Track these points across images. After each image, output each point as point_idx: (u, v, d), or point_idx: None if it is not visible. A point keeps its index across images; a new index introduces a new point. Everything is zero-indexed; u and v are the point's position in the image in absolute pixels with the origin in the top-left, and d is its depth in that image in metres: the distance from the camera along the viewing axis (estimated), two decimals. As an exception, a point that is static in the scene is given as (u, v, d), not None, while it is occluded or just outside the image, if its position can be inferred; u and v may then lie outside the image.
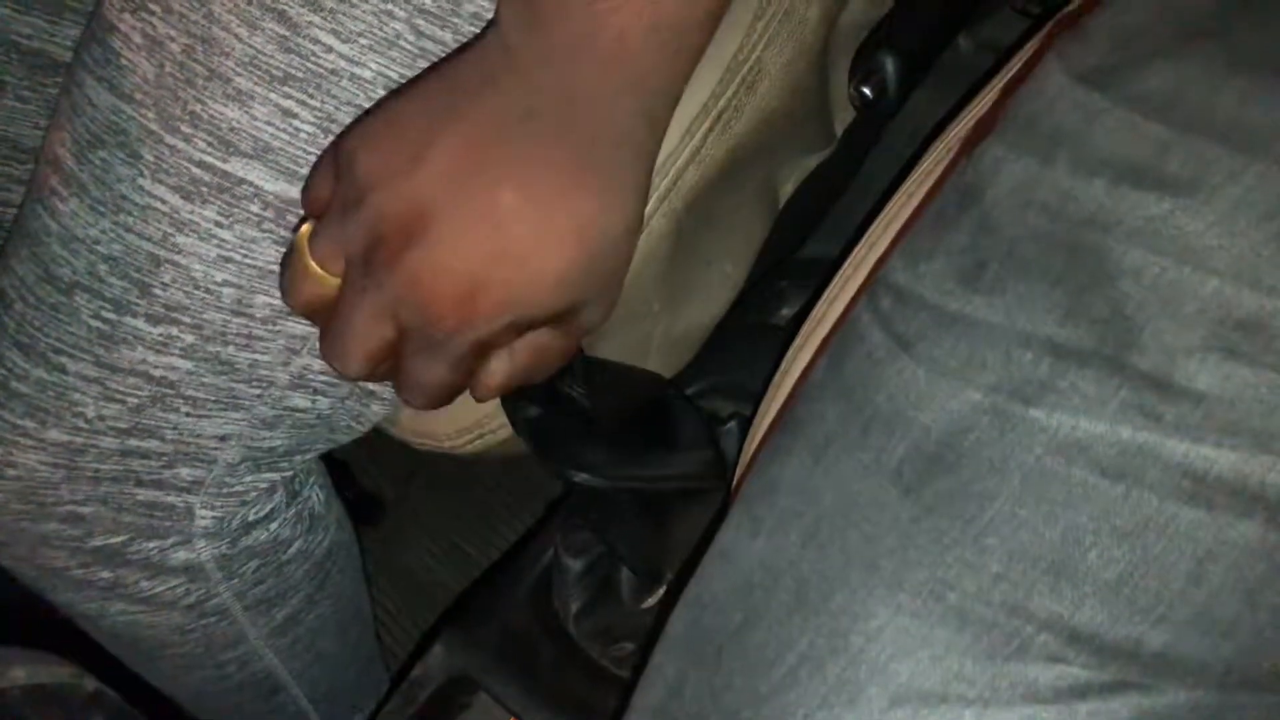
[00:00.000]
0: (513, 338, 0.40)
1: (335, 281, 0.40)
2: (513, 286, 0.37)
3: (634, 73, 0.36)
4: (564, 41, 0.35)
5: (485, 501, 1.11)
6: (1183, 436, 0.29)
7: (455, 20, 0.45)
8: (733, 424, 0.68)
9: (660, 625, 0.37)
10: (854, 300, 0.43)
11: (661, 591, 0.66)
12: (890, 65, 0.52)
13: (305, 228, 0.41)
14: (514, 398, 0.52)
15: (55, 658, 0.43)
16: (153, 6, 0.45)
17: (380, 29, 0.45)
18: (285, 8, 0.44)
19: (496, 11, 0.38)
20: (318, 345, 0.51)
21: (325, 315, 0.41)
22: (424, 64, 0.46)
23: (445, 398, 0.41)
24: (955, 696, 0.30)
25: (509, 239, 0.37)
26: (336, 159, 0.39)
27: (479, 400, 0.43)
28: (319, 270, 0.40)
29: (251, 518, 0.58)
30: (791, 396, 0.43)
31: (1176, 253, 0.29)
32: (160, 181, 0.46)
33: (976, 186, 0.33)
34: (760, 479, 0.35)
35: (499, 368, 0.41)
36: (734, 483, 0.49)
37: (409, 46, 0.45)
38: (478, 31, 0.46)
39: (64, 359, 0.49)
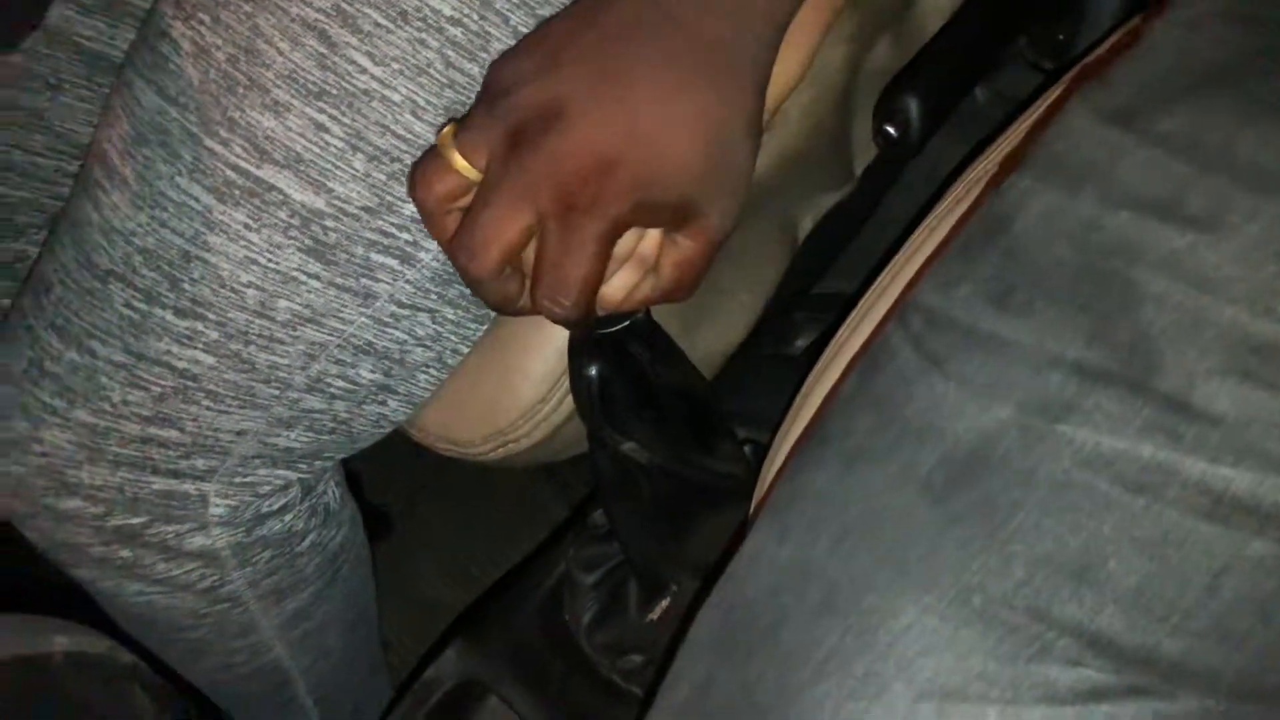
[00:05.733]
0: (646, 221, 0.42)
1: (476, 175, 0.42)
2: (643, 164, 0.40)
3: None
4: None
5: (491, 521, 1.12)
6: (1201, 456, 0.31)
7: (483, 55, 0.48)
8: (747, 449, 0.70)
9: (677, 631, 0.39)
10: (880, 324, 0.45)
11: (666, 603, 0.68)
12: (914, 107, 0.54)
13: (449, 127, 0.43)
14: (579, 352, 0.53)
15: (93, 630, 0.45)
16: (203, 16, 0.48)
17: (413, 56, 0.47)
18: (326, 27, 0.47)
19: None
20: (336, 352, 0.53)
21: (458, 214, 0.43)
22: (450, 93, 0.48)
23: (582, 291, 0.42)
24: (978, 695, 0.31)
25: (638, 121, 0.40)
26: (486, 78, 0.43)
27: (620, 307, 0.46)
28: (463, 161, 0.42)
29: (266, 509, 0.59)
30: (816, 415, 0.45)
31: (1197, 283, 0.31)
32: (196, 181, 0.49)
33: (1005, 216, 0.36)
34: (789, 487, 0.37)
35: (646, 283, 0.44)
36: (751, 507, 0.51)
37: (438, 75, 0.48)
38: None
39: (95, 343, 0.52)
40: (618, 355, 0.52)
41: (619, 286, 0.45)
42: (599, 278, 0.42)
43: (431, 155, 0.43)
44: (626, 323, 0.49)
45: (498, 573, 1.08)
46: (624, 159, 0.40)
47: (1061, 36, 0.65)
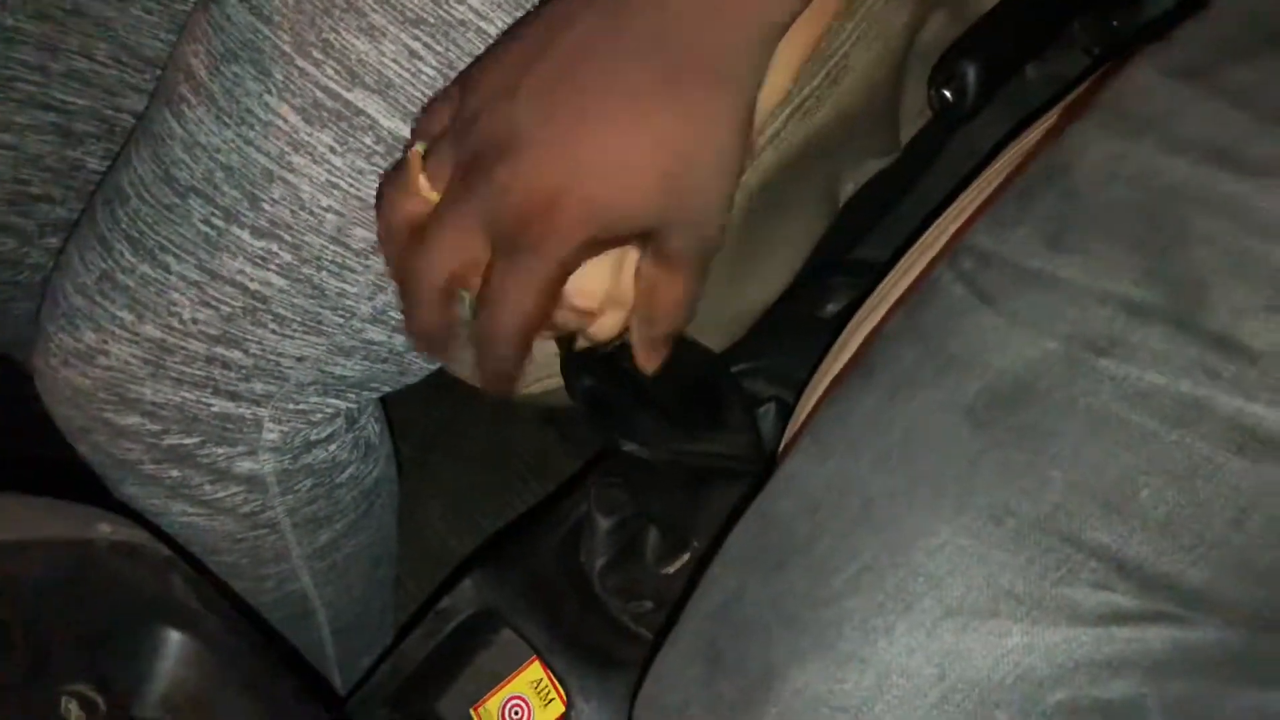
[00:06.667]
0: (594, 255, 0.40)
1: (436, 198, 0.41)
2: (590, 200, 0.38)
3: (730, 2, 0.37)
4: None
5: (502, 474, 1.13)
6: (1236, 393, 0.32)
7: None
8: (770, 405, 0.71)
9: (692, 578, 0.40)
10: (928, 268, 0.46)
11: (686, 558, 0.69)
12: (971, 73, 0.55)
13: (418, 146, 0.43)
14: (573, 367, 0.54)
15: (133, 521, 0.46)
16: None
17: None
18: None
19: None
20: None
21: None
22: None
23: (525, 327, 0.41)
24: (1005, 612, 0.32)
25: (586, 154, 0.38)
26: (457, 90, 0.42)
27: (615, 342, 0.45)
28: (426, 185, 0.41)
29: (315, 437, 0.60)
30: (860, 349, 0.46)
31: (1251, 227, 0.32)
32: (285, 101, 0.49)
33: (1065, 162, 0.37)
34: (832, 412, 0.38)
35: (635, 320, 0.43)
36: (785, 438, 0.52)
37: (533, 7, 0.48)
38: None
39: (169, 258, 0.52)
40: (610, 369, 0.53)
41: (608, 328, 0.45)
42: (535, 323, 0.41)
43: (399, 175, 0.43)
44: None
45: (505, 524, 1.10)
46: (570, 194, 0.38)
47: (1116, 23, 0.66)
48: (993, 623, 0.32)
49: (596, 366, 0.54)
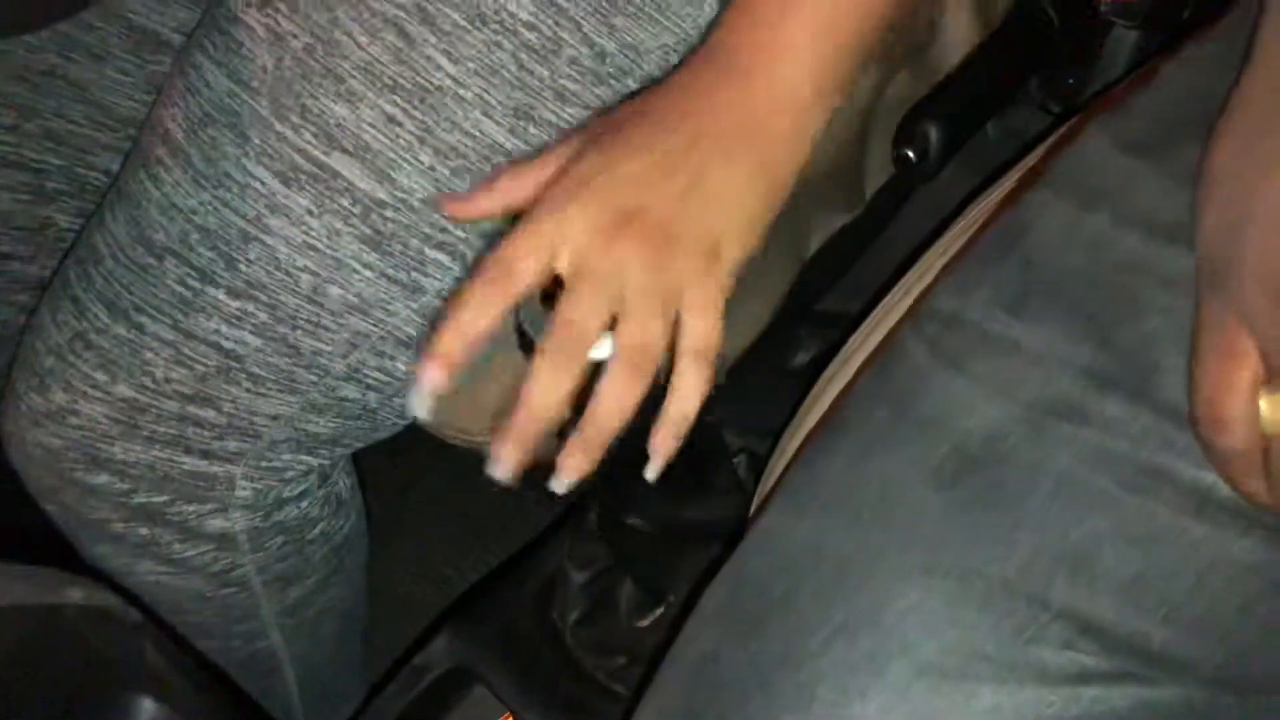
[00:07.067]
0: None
1: None
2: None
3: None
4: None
5: (472, 524, 1.12)
6: (1191, 461, 0.33)
7: (554, 60, 0.50)
8: (742, 457, 0.72)
9: (669, 636, 0.40)
10: (893, 330, 0.47)
11: (660, 612, 0.69)
12: (934, 134, 0.57)
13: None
14: None
15: (103, 586, 0.46)
16: (279, 4, 0.49)
17: (487, 57, 0.49)
18: (406, 24, 0.49)
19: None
20: (377, 344, 0.54)
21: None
22: (520, 94, 0.50)
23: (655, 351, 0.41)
24: (975, 673, 0.33)
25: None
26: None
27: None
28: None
29: (286, 494, 0.60)
30: (830, 409, 0.47)
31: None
32: (263, 164, 0.50)
33: (1023, 227, 0.38)
34: (805, 472, 0.39)
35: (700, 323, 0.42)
36: (756, 499, 0.53)
37: (510, 76, 0.50)
38: (574, 74, 0.51)
39: (144, 318, 0.52)
40: (626, 442, 0.54)
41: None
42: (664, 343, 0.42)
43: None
44: None
45: (474, 575, 1.09)
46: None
47: (1071, 80, 0.68)
48: (963, 684, 0.33)
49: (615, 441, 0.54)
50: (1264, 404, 0.30)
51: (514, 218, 0.44)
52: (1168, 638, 0.33)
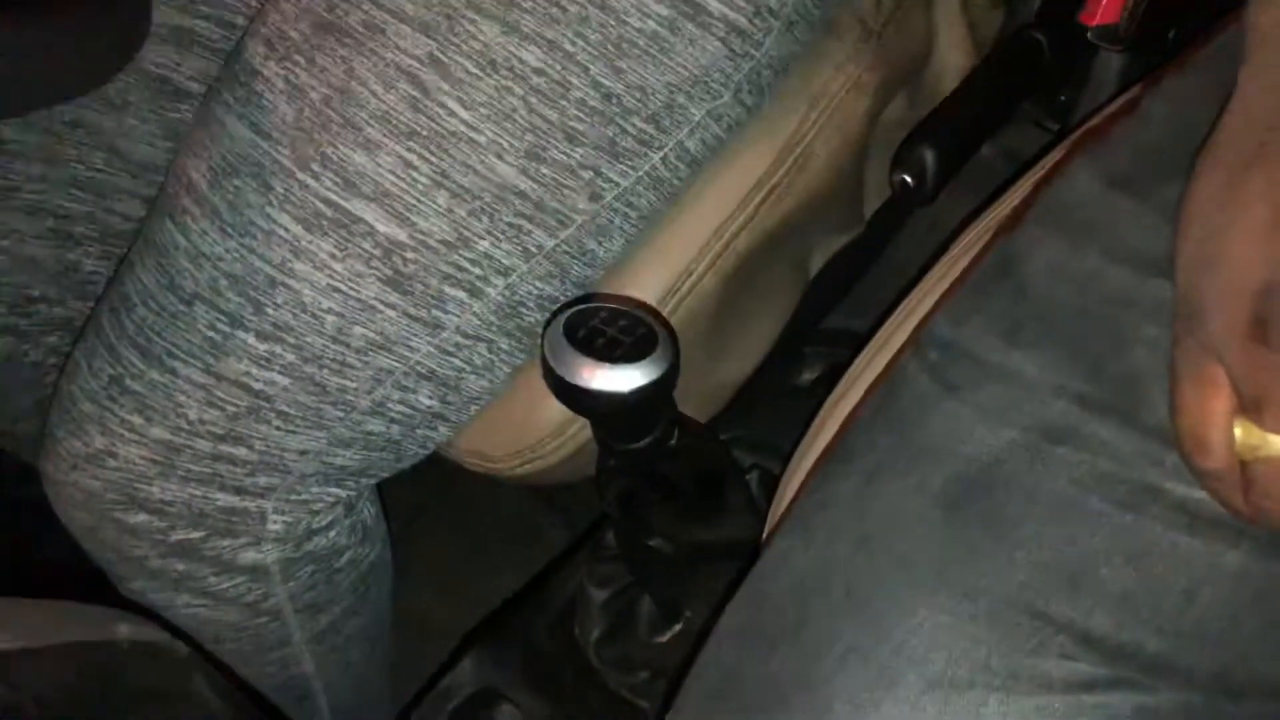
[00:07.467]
0: None
1: None
2: None
3: None
4: None
5: (489, 546, 1.13)
6: (1180, 480, 0.35)
7: (563, 102, 0.52)
8: (754, 474, 0.74)
9: (689, 655, 0.42)
10: (896, 355, 0.49)
11: (678, 628, 0.71)
12: (930, 158, 0.59)
13: None
14: (607, 467, 0.56)
15: (151, 621, 0.48)
16: (297, 58, 0.52)
17: (499, 102, 0.51)
18: (420, 73, 0.51)
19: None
20: (400, 379, 0.56)
21: None
22: (531, 137, 0.52)
23: None
24: (982, 684, 0.35)
25: None
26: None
27: None
28: None
29: (315, 525, 0.62)
30: (836, 435, 0.49)
31: None
32: (286, 211, 0.52)
33: (1016, 260, 0.40)
34: (815, 498, 0.41)
35: None
36: (764, 531, 0.55)
37: (521, 120, 0.52)
38: (582, 115, 0.52)
39: (177, 363, 0.54)
40: (646, 468, 0.55)
41: None
42: None
43: None
44: (650, 439, 0.52)
45: (492, 595, 1.10)
46: None
47: (1064, 99, 0.70)
48: (971, 694, 0.35)
49: (635, 466, 0.55)
50: (1238, 431, 0.32)
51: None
52: (1164, 647, 0.35)
